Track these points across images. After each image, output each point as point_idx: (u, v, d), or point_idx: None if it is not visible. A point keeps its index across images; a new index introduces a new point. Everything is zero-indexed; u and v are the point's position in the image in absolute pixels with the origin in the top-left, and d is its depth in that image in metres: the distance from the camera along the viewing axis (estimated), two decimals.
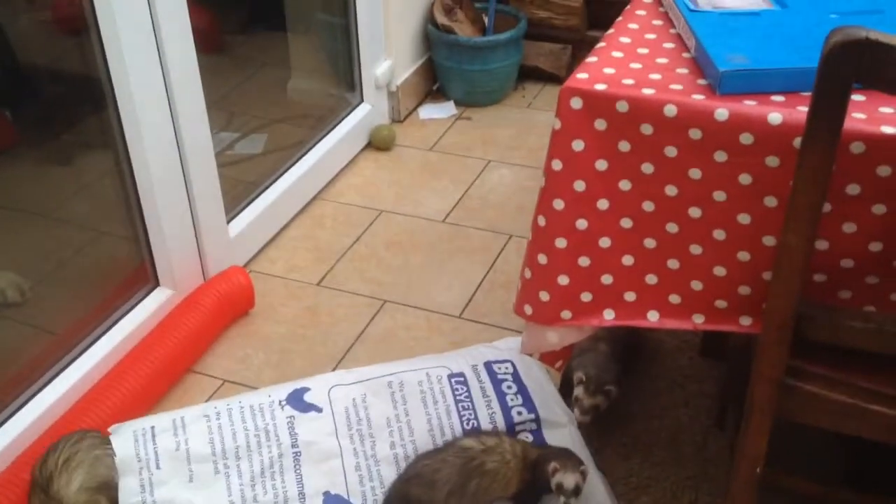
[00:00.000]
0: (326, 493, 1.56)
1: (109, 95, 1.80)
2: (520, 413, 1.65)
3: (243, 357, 1.97)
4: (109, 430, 1.61)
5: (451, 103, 2.85)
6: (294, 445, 1.60)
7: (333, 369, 1.91)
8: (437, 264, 2.22)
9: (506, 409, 1.66)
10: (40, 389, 1.76)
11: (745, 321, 1.21)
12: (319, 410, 1.64)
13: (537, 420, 1.65)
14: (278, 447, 1.59)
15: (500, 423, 1.64)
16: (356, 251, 2.28)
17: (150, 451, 1.57)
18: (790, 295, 1.07)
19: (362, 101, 2.68)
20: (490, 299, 2.09)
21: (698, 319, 1.23)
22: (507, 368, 1.74)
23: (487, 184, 2.51)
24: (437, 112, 2.83)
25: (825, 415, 1.17)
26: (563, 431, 1.64)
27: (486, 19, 2.84)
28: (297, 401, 1.65)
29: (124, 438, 1.59)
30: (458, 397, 1.67)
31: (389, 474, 1.57)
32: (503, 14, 2.87)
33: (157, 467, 1.55)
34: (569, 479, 1.41)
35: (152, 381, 1.82)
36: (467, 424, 1.63)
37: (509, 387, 1.70)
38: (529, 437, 1.64)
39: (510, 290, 2.11)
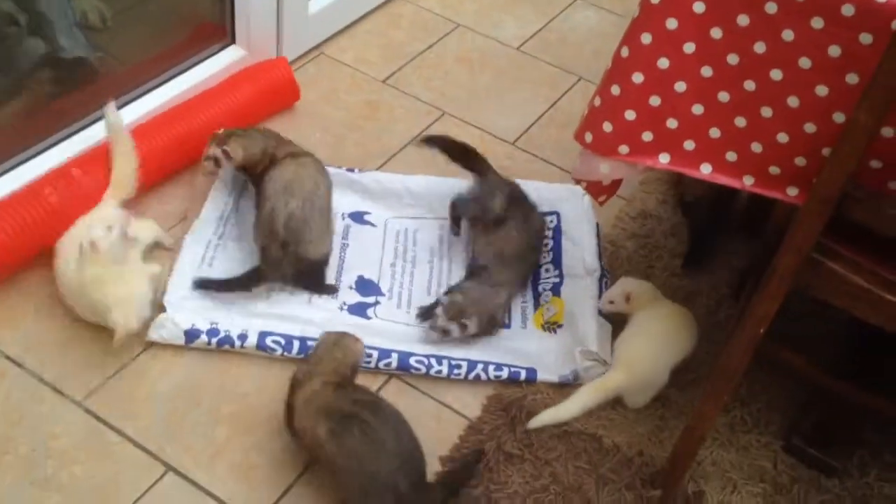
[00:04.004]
0: (360, 277, 1.75)
1: None
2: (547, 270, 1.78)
3: (301, 129, 2.02)
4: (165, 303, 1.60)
5: None
6: (344, 238, 1.79)
7: (381, 165, 1.97)
8: (502, 89, 2.24)
9: None
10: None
11: (792, 191, 1.25)
12: (374, 226, 1.84)
13: (560, 276, 1.77)
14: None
15: None
16: (426, 58, 2.30)
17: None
18: (844, 172, 1.10)
19: None
20: (546, 134, 2.12)
21: (748, 181, 1.27)
22: (550, 222, 1.84)
23: (570, 21, 2.48)
24: None
25: (839, 295, 1.22)
26: (580, 283, 1.73)
27: None
28: (357, 217, 1.85)
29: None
30: None
31: (421, 281, 1.75)
32: None
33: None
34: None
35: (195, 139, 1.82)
36: None
37: (545, 244, 1.81)
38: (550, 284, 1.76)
39: (567, 130, 2.09)
